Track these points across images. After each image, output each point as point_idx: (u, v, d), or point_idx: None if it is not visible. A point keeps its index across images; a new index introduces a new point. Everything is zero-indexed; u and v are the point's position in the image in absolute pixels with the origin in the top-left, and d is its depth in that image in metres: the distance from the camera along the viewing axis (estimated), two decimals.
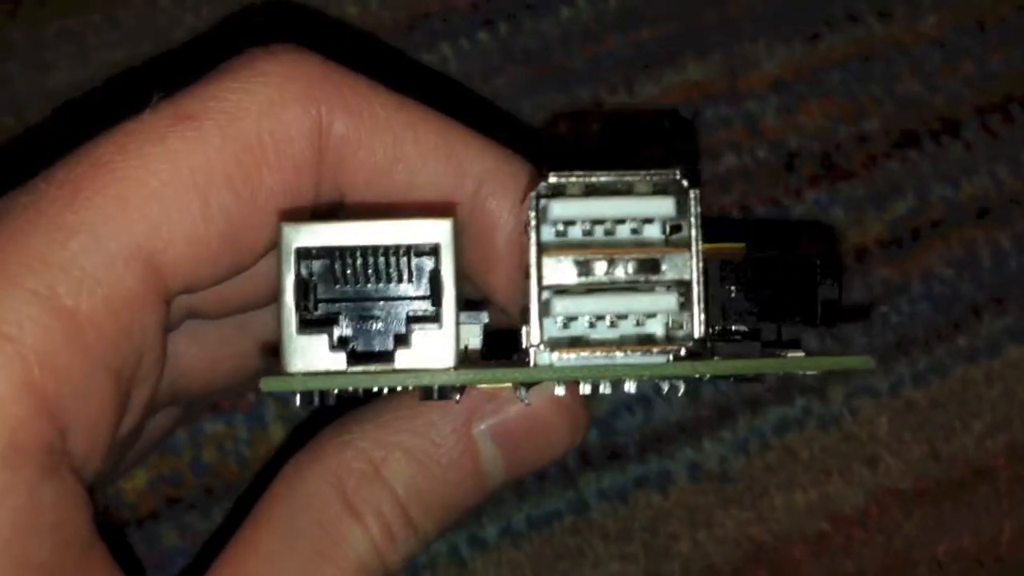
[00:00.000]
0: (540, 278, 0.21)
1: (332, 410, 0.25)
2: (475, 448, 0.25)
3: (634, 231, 0.21)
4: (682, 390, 0.24)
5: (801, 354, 0.22)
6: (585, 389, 0.23)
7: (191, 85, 0.24)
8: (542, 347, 0.21)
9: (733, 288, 0.22)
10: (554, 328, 0.21)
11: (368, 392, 0.23)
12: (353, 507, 0.24)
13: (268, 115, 0.23)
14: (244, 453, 0.36)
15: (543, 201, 0.21)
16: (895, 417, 0.37)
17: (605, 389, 0.22)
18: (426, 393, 0.22)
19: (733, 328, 0.22)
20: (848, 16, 0.39)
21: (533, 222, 0.21)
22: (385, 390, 0.23)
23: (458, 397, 0.23)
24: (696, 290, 0.21)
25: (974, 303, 0.37)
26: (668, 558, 0.35)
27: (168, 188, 0.23)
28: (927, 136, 0.38)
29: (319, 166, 0.24)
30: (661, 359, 0.21)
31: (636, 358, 0.21)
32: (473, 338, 0.23)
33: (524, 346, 0.21)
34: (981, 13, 0.39)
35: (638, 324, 0.21)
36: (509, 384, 0.24)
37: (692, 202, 0.21)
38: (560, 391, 0.23)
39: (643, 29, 0.39)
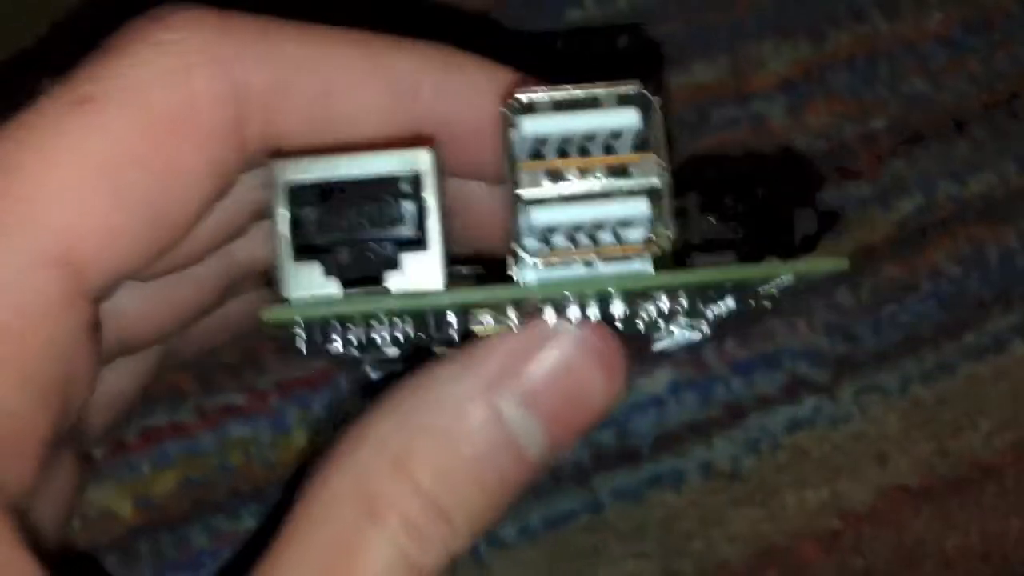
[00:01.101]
0: (516, 190, 0.22)
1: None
2: (500, 414, 0.23)
3: (606, 147, 0.22)
4: (666, 304, 0.24)
5: (777, 261, 0.23)
6: (574, 312, 0.23)
7: (82, 63, 0.22)
8: (525, 256, 0.22)
9: (713, 218, 0.23)
10: (535, 244, 0.22)
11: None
12: (374, 511, 0.22)
13: (172, 85, 0.22)
14: (269, 456, 0.36)
15: (513, 117, 0.22)
16: (904, 415, 0.37)
17: (592, 312, 0.23)
18: (422, 326, 0.23)
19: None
20: (854, 15, 0.40)
21: (505, 138, 0.22)
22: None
23: (455, 336, 0.23)
24: (664, 193, 0.22)
25: (981, 300, 0.38)
26: (682, 556, 0.36)
27: (76, 181, 0.22)
28: (933, 134, 0.39)
29: (241, 126, 0.23)
30: (639, 264, 0.22)
31: (616, 265, 0.22)
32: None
33: (510, 266, 0.22)
34: (987, 10, 0.40)
35: (617, 236, 0.22)
36: (510, 327, 0.24)
37: (655, 110, 0.22)
38: (550, 316, 0.23)
39: (650, 31, 0.40)
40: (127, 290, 0.25)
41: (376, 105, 0.24)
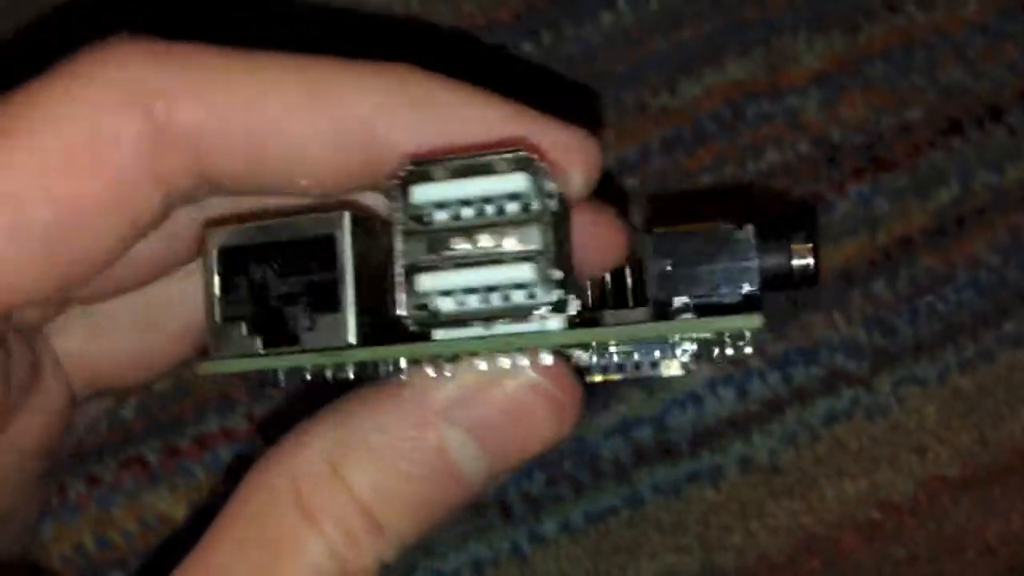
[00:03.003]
0: (400, 257, 0.23)
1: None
2: (444, 442, 0.23)
3: (501, 211, 0.23)
4: (594, 360, 0.25)
5: (691, 316, 0.23)
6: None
7: (14, 91, 0.23)
8: (409, 321, 0.22)
9: (669, 262, 0.22)
10: (435, 302, 0.23)
11: (336, 380, 0.25)
12: (309, 513, 0.22)
13: (86, 121, 0.22)
14: None
15: (403, 187, 0.23)
16: (943, 405, 0.37)
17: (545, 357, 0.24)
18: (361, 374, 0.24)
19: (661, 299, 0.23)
20: (888, 6, 0.39)
21: (396, 204, 0.23)
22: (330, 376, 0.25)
23: (403, 376, 0.24)
24: (548, 257, 0.22)
25: (1020, 289, 0.37)
26: (722, 550, 0.36)
27: None
28: (970, 123, 0.39)
29: (162, 165, 0.23)
30: (551, 323, 0.22)
31: (515, 327, 0.22)
32: None
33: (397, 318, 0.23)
34: None
35: (529, 297, 0.22)
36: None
37: (542, 176, 0.22)
38: (483, 366, 0.23)
39: (684, 29, 0.40)
40: (83, 335, 0.27)
41: (320, 142, 0.23)
